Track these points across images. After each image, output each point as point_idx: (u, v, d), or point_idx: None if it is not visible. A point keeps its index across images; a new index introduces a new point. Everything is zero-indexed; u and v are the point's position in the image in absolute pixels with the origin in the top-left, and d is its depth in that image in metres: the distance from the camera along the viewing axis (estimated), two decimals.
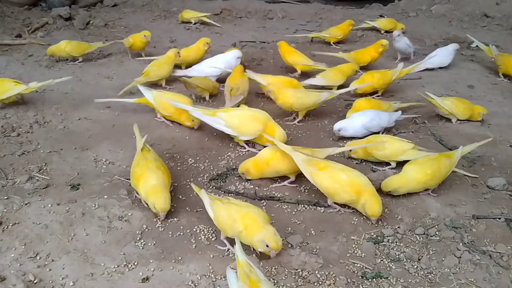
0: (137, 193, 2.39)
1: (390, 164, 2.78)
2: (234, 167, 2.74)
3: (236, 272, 1.68)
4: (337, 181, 2.30)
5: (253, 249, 2.05)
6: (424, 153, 2.72)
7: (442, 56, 4.46)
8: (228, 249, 2.09)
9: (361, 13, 6.80)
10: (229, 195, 2.49)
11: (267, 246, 1.96)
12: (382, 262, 2.07)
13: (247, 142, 2.95)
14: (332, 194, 2.34)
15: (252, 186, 2.59)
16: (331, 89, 3.63)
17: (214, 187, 2.58)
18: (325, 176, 2.33)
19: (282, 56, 4.32)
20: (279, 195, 2.51)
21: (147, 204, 2.31)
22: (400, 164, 2.64)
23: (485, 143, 2.73)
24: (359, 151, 2.83)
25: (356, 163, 2.84)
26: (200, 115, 2.91)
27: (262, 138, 2.81)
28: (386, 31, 5.74)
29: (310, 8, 7.07)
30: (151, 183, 2.29)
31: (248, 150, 2.93)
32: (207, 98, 3.64)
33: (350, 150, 2.85)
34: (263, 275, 1.61)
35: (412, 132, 3.24)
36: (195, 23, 5.92)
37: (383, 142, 2.72)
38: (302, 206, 2.44)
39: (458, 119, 3.38)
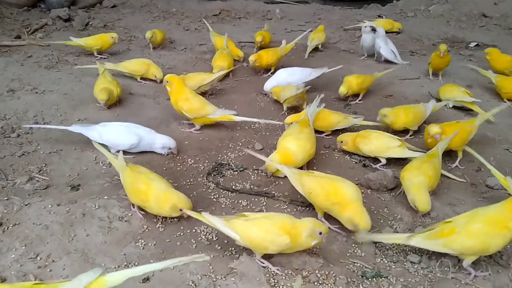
0: (141, 209, 2.30)
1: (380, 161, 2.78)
2: (231, 163, 2.81)
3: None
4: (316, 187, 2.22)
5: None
6: (411, 153, 2.71)
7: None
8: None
9: (360, 13, 6.81)
10: (225, 191, 2.53)
11: (320, 233, 1.92)
12: (382, 261, 2.08)
13: None
14: (308, 198, 2.28)
15: (252, 186, 2.59)
16: None
17: (211, 182, 2.61)
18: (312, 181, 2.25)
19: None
20: (278, 194, 2.51)
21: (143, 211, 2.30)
22: (391, 162, 2.62)
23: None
24: (349, 143, 2.85)
25: (355, 162, 2.85)
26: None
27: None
28: (385, 32, 5.73)
29: (309, 9, 7.07)
30: (163, 188, 2.24)
31: (247, 153, 2.92)
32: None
33: (342, 142, 2.87)
34: None
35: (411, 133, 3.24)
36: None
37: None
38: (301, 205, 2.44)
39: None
